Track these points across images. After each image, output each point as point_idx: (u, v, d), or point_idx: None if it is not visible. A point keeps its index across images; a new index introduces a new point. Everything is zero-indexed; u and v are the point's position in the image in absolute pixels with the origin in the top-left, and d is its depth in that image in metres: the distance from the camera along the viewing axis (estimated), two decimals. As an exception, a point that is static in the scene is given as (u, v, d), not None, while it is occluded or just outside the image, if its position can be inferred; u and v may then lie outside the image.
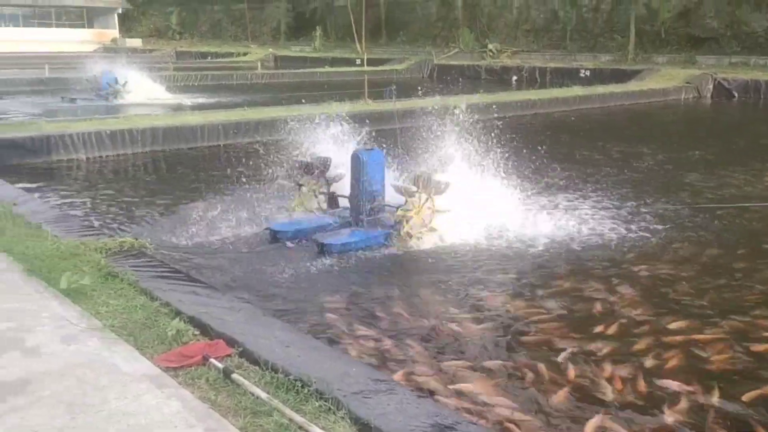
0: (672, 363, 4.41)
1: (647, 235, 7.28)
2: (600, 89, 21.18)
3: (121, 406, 3.12)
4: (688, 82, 22.88)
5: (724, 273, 6.17)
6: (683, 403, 3.92)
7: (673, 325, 4.98)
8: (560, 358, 4.45)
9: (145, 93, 19.69)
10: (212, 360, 3.56)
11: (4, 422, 2.98)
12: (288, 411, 3.09)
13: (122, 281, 4.71)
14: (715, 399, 3.98)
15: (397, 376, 4.09)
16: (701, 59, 27.06)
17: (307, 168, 7.68)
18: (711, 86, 23.06)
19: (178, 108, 17.45)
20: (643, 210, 8.31)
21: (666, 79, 23.36)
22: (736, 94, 22.69)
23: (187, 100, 19.26)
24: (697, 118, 20.29)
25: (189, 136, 12.37)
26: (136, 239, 5.89)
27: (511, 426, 3.62)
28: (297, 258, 6.43)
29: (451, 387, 4.02)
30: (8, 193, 7.23)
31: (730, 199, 8.85)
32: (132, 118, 13.40)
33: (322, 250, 6.51)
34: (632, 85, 22.65)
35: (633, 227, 7.53)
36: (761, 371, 4.35)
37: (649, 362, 4.42)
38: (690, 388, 4.07)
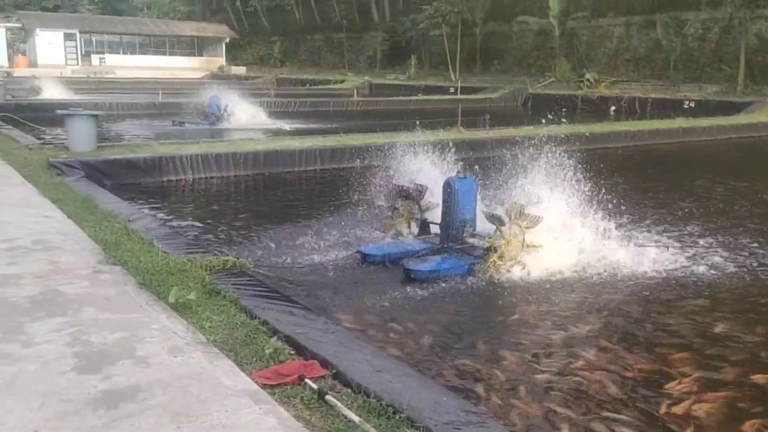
0: None
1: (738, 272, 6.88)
2: (705, 122, 20.27)
3: (222, 418, 3.27)
4: (803, 116, 21.52)
5: None
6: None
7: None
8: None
9: (247, 118, 20.61)
10: (307, 380, 3.67)
11: (118, 426, 3.20)
12: (379, 436, 3.14)
13: (224, 298, 4.94)
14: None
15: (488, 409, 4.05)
16: (818, 91, 25.43)
17: (404, 192, 7.82)
18: (830, 120, 21.57)
19: (277, 133, 18.15)
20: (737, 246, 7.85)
21: (778, 111, 22.08)
22: None
23: (286, 125, 19.99)
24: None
25: (288, 160, 12.83)
26: (238, 258, 6.16)
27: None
28: (386, 282, 6.51)
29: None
30: (124, 210, 7.75)
31: None
32: (236, 142, 14.05)
33: (409, 276, 6.56)
34: (741, 118, 21.53)
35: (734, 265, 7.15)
36: None
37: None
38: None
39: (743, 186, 12.32)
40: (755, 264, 7.34)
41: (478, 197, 7.44)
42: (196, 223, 9.05)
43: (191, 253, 6.17)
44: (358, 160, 12.68)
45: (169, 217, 9.14)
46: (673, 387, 4.54)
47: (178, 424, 3.22)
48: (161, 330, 4.34)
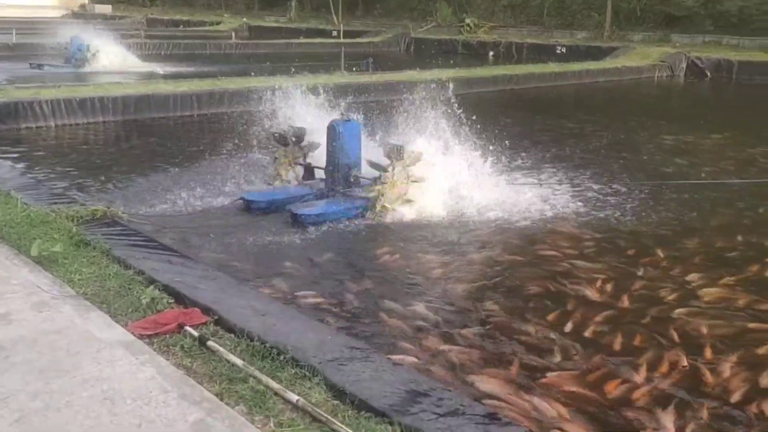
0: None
1: (614, 208, 7.40)
2: (575, 66, 21.26)
3: (95, 371, 3.11)
4: (662, 61, 23.07)
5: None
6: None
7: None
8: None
9: (115, 60, 19.25)
10: (187, 328, 3.55)
11: (-24, 388, 2.95)
12: (264, 378, 3.11)
13: (95, 249, 4.66)
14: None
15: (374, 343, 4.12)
16: (675, 38, 27.26)
17: (282, 139, 7.64)
18: (684, 65, 23.30)
19: (150, 76, 17.09)
20: (605, 186, 8.42)
21: (640, 57, 23.51)
22: (708, 73, 22.96)
23: (159, 68, 18.86)
24: (669, 96, 20.56)
25: (161, 105, 12.14)
26: (109, 208, 5.81)
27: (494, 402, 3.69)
28: (272, 228, 6.41)
29: (426, 356, 4.07)
30: (-25, 160, 7.06)
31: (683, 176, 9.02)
32: (103, 85, 13.10)
33: (296, 220, 6.49)
34: (607, 63, 22.77)
35: (598, 201, 7.65)
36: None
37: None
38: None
39: (607, 126, 13.11)
40: (619, 200, 7.86)
41: (363, 140, 7.41)
42: (61, 173, 8.42)
43: (55, 204, 5.74)
44: (238, 105, 12.24)
45: (29, 168, 8.43)
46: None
47: (47, 381, 3.02)
48: (23, 285, 4.02)
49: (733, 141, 11.69)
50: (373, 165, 7.00)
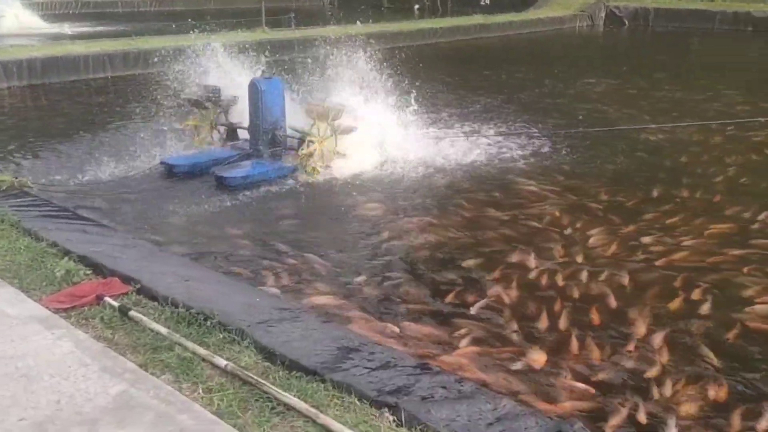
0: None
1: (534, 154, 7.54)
2: (499, 18, 21.34)
3: (8, 349, 2.94)
4: (582, 11, 23.45)
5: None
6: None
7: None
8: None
9: (16, 22, 18.01)
10: (107, 298, 3.40)
11: None
12: (190, 344, 3.02)
13: (2, 222, 4.38)
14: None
15: (304, 304, 4.08)
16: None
17: (197, 101, 7.34)
18: (603, 14, 23.78)
19: (57, 38, 16.09)
20: (528, 133, 8.56)
21: (562, 7, 23.82)
22: (626, 22, 23.53)
23: (67, 29, 17.77)
24: (588, 45, 20.98)
25: (71, 67, 11.48)
26: (17, 178, 5.48)
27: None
28: (196, 192, 6.21)
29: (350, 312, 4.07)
30: None
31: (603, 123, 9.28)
32: (5, 48, 12.25)
33: (222, 183, 6.30)
34: (530, 14, 22.97)
35: (524, 148, 7.79)
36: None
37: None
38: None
39: (532, 76, 13.28)
40: (542, 146, 8.00)
41: (286, 97, 7.21)
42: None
43: (-43, 175, 5.37)
44: (155, 65, 11.68)
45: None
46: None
47: (-47, 363, 2.84)
48: None
49: (652, 87, 12.06)
50: (296, 131, 6.86)
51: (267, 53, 9.15)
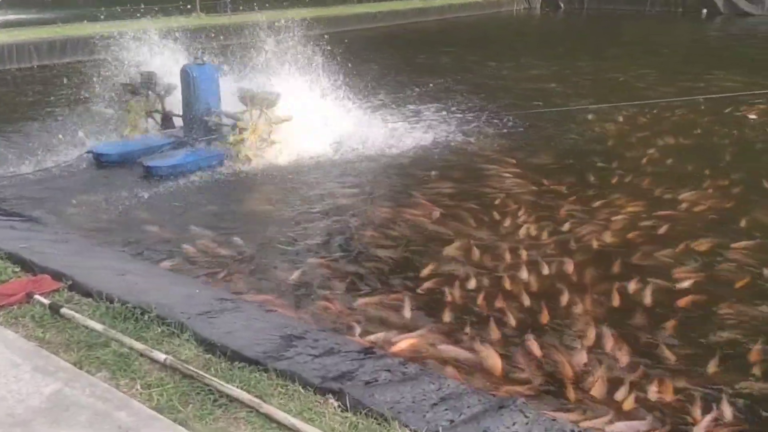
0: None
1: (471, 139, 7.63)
2: (438, 2, 21.42)
3: (-70, 355, 2.79)
4: (518, -6, 23.80)
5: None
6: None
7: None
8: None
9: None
10: (37, 296, 3.26)
11: None
12: (127, 340, 2.93)
13: None
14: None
15: (244, 294, 4.02)
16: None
17: (132, 87, 7.10)
18: (539, -2, 24.21)
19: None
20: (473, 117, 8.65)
21: (499, -10, 24.08)
22: (562, 5, 23.98)
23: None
24: (525, 29, 21.30)
25: (-7, 57, 10.94)
26: (-67, 174, 5.20)
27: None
28: (124, 183, 6.00)
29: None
30: None
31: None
32: None
33: (149, 173, 6.11)
34: (468, -3, 23.13)
35: (466, 133, 7.85)
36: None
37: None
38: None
39: (473, 59, 13.39)
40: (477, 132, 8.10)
41: (221, 84, 7.05)
42: None
43: None
44: (84, 53, 11.27)
45: None
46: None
47: None
48: None
49: (590, 67, 12.34)
50: (229, 116, 6.72)
51: (202, 39, 8.95)
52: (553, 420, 2.48)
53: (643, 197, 5.82)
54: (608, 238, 5.01)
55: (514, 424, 2.42)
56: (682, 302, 4.07)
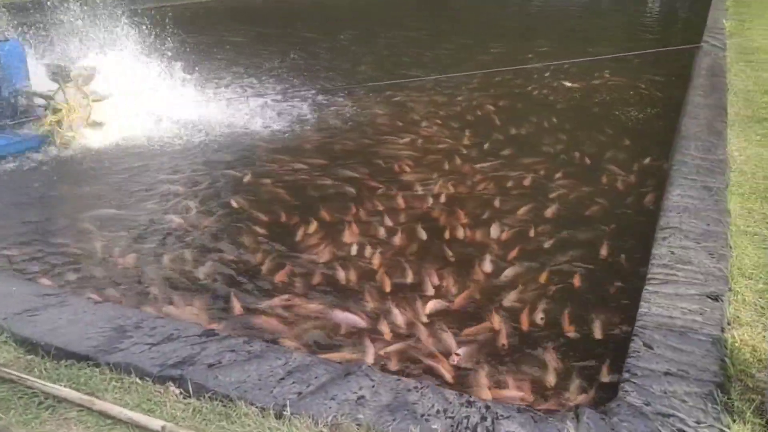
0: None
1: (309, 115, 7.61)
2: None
3: None
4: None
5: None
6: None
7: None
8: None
9: None
10: None
11: None
12: (-70, 349, 2.61)
13: None
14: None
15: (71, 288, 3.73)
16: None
17: None
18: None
19: None
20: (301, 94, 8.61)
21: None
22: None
23: None
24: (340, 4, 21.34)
25: None
26: None
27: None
28: None
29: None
30: None
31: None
32: None
33: None
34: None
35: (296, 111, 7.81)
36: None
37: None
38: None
39: (318, 37, 13.22)
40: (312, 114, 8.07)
41: (32, 64, 6.39)
42: None
43: None
44: None
45: None
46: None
47: None
48: None
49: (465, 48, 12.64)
50: (37, 95, 6.15)
51: (8, 16, 8.10)
52: (398, 380, 2.55)
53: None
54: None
55: (360, 388, 2.47)
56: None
